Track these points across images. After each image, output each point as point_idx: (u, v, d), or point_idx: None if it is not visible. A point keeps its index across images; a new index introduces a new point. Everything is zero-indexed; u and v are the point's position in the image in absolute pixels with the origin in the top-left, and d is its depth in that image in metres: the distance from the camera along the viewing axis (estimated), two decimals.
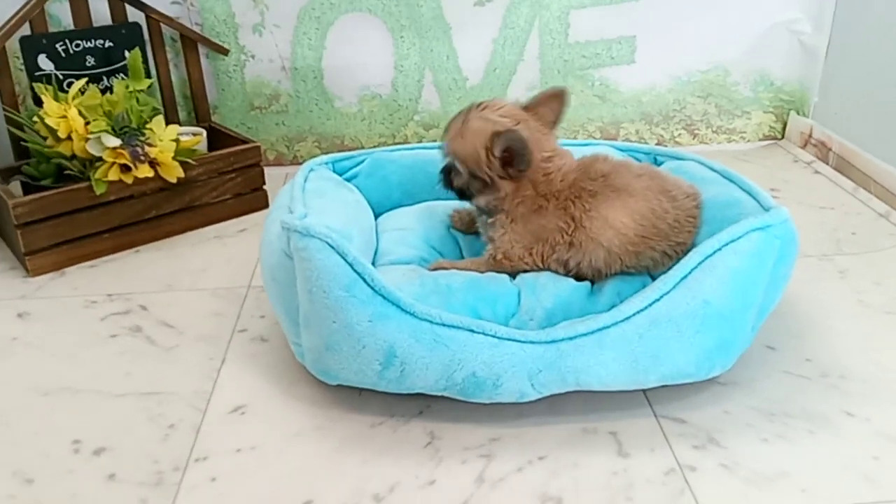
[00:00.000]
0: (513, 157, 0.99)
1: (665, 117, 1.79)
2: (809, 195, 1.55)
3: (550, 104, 1.06)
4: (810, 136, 1.75)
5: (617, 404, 0.95)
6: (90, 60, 1.49)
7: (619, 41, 1.71)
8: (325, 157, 1.24)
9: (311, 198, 1.06)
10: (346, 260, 0.88)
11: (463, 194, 1.06)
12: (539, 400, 0.91)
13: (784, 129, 1.83)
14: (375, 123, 1.75)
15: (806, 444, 0.90)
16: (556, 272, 1.03)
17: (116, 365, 1.06)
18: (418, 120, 1.75)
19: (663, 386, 0.96)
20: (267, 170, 1.57)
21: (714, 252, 0.90)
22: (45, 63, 1.45)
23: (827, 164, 1.68)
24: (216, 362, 1.06)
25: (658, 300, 0.89)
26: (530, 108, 1.05)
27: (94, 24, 1.51)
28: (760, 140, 1.84)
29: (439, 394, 0.90)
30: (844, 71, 1.66)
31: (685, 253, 1.00)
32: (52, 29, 1.49)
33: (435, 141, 1.09)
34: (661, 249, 1.01)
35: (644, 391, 0.97)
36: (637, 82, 1.75)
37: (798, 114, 1.79)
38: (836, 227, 1.42)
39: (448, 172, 1.06)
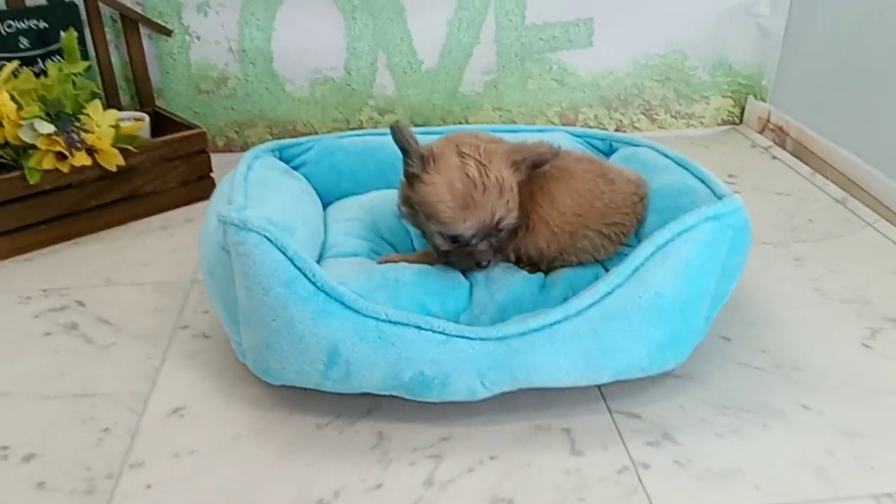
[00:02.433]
0: (540, 164, 0.95)
1: (624, 102, 1.77)
2: (766, 181, 1.54)
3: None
4: (768, 120, 1.74)
5: (571, 400, 0.93)
6: (24, 42, 1.42)
7: (576, 23, 1.68)
8: (270, 144, 1.19)
9: (253, 187, 1.02)
10: (285, 255, 0.84)
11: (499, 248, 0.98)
12: (490, 398, 0.88)
13: (742, 113, 1.82)
14: (328, 108, 1.69)
15: (760, 439, 0.88)
16: (507, 260, 1.01)
17: (50, 365, 1.01)
18: (373, 104, 1.70)
19: (617, 381, 0.94)
20: (216, 156, 1.52)
21: (666, 243, 0.88)
22: None
23: (784, 149, 1.67)
24: (155, 361, 1.02)
25: (610, 293, 0.86)
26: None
27: (28, 4, 1.43)
28: (719, 125, 1.82)
29: (387, 393, 0.87)
30: (802, 55, 1.65)
31: (626, 237, 0.99)
32: None
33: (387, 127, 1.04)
34: (595, 229, 0.99)
35: (598, 386, 0.95)
36: (595, 66, 1.72)
37: (756, 98, 1.78)
38: (793, 214, 1.41)
39: (498, 244, 0.95)
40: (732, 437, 0.88)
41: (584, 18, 1.68)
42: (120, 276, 1.22)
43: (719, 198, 0.94)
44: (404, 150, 0.92)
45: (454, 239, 0.92)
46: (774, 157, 1.66)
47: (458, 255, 0.93)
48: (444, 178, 0.90)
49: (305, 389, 0.92)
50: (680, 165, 1.07)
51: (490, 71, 1.70)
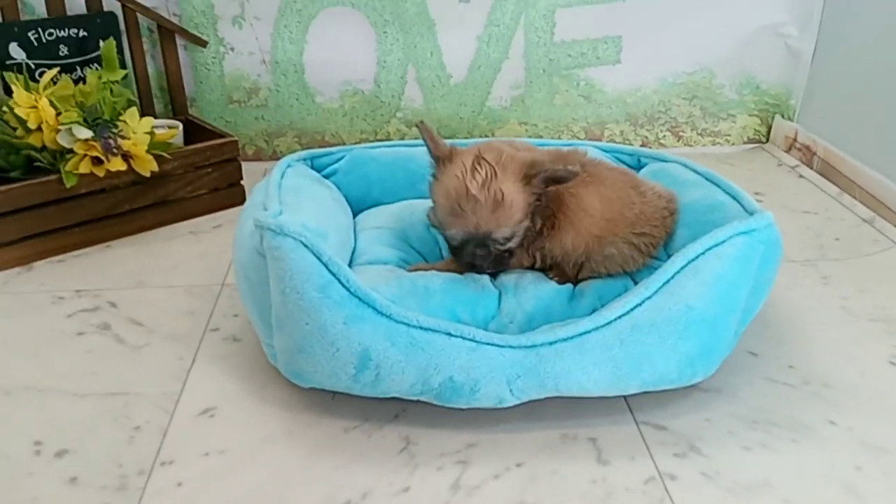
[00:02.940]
0: (558, 181, 0.95)
1: (650, 119, 1.77)
2: (793, 200, 1.54)
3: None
4: (795, 139, 1.74)
5: (597, 410, 0.93)
6: (63, 50, 1.45)
7: (604, 41, 1.70)
8: (303, 153, 1.21)
9: (286, 195, 1.03)
10: (320, 260, 0.85)
11: (510, 255, 1.00)
12: (518, 405, 0.89)
13: (769, 132, 1.82)
14: (357, 119, 1.72)
15: (788, 453, 0.88)
16: (532, 264, 1.02)
17: (82, 364, 1.03)
18: (401, 117, 1.72)
19: (645, 392, 0.94)
20: (246, 165, 1.54)
21: (697, 256, 0.88)
22: (16, 52, 1.41)
23: (811, 168, 1.67)
24: (186, 362, 1.03)
25: (640, 305, 0.86)
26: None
27: (69, 13, 1.47)
28: (745, 143, 1.82)
29: (415, 398, 0.88)
30: (831, 75, 1.65)
31: (656, 250, 1.00)
32: (24, 17, 1.45)
33: (417, 138, 1.07)
34: (625, 238, 1.00)
35: (625, 397, 0.95)
36: (622, 83, 1.74)
37: (783, 117, 1.78)
38: (820, 233, 1.41)
39: (500, 254, 0.97)
40: (761, 450, 0.88)
41: (612, 36, 1.69)
42: (151, 279, 1.24)
43: (750, 213, 0.95)
44: (428, 150, 0.98)
45: (449, 240, 0.98)
46: (801, 176, 1.66)
47: (461, 255, 0.97)
48: (444, 184, 0.95)
49: (334, 393, 0.94)
50: (709, 181, 1.08)
51: (518, 86, 1.71)
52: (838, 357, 1.05)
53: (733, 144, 1.82)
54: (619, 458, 0.87)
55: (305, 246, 0.85)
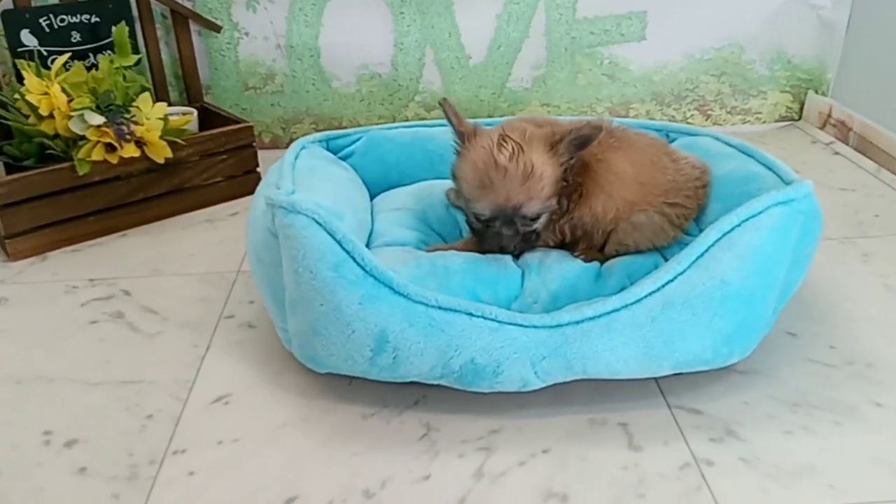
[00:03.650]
0: (583, 143, 0.92)
1: (677, 97, 1.72)
2: (829, 177, 1.48)
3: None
4: (829, 115, 1.67)
5: (627, 394, 0.89)
6: (76, 36, 1.43)
7: (629, 17, 1.64)
8: (318, 135, 1.18)
9: (301, 175, 1.00)
10: (334, 238, 0.81)
11: (538, 236, 0.96)
12: (543, 389, 0.84)
13: (801, 109, 1.75)
14: (375, 104, 1.68)
15: (832, 436, 0.83)
16: (561, 240, 0.99)
17: (95, 352, 1.00)
18: (419, 101, 1.68)
19: (677, 375, 0.89)
20: (262, 153, 1.51)
21: (733, 228, 0.83)
22: (28, 39, 1.39)
23: (847, 144, 1.60)
24: (200, 350, 1.00)
25: (672, 281, 0.82)
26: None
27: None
28: (777, 121, 1.76)
29: (435, 382, 0.84)
30: (866, 47, 1.58)
31: (687, 223, 0.96)
32: (35, 3, 1.43)
33: (437, 119, 1.03)
34: (656, 208, 0.96)
35: (656, 380, 0.91)
36: (648, 60, 1.68)
37: (816, 93, 1.72)
38: (858, 210, 1.35)
39: (527, 234, 0.94)
40: (802, 434, 0.83)
41: (637, 11, 1.64)
42: (166, 266, 1.22)
43: (788, 183, 0.89)
44: (451, 126, 0.95)
45: (477, 217, 0.93)
46: (836, 153, 1.60)
47: (485, 236, 0.94)
48: (471, 157, 0.92)
49: (351, 379, 0.90)
50: (743, 153, 1.03)
51: (539, 66, 1.67)
52: (882, 336, 0.99)
53: (764, 122, 1.75)
54: (652, 444, 0.82)
55: (318, 223, 0.81)
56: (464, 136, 0.94)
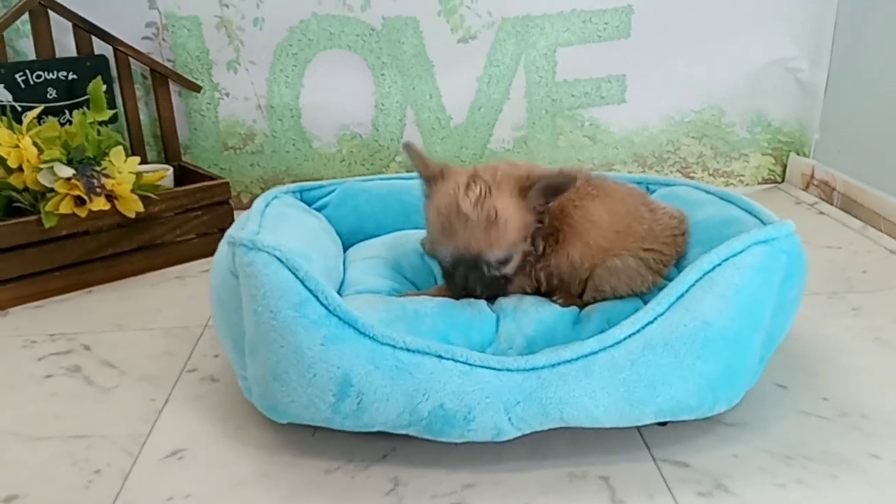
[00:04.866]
0: (556, 190, 0.90)
1: (658, 159, 1.71)
2: (815, 235, 1.46)
3: None
4: (812, 176, 1.66)
5: (609, 446, 0.83)
6: (52, 93, 1.42)
7: (608, 80, 1.65)
8: (291, 186, 1.15)
9: (269, 220, 0.97)
10: (296, 276, 0.77)
11: (508, 283, 0.93)
12: (519, 439, 0.79)
13: (784, 171, 1.74)
14: (355, 164, 1.66)
15: (828, 489, 0.77)
16: (537, 287, 0.95)
17: (46, 407, 0.94)
18: (400, 161, 1.67)
19: (662, 426, 0.85)
20: (239, 214, 1.47)
21: (713, 268, 0.79)
22: (2, 94, 1.37)
23: (832, 204, 1.59)
24: (158, 403, 0.94)
25: (652, 322, 0.78)
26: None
27: (59, 56, 1.44)
28: (760, 183, 1.75)
29: (403, 432, 0.78)
30: (845, 107, 1.59)
31: (666, 269, 0.94)
32: (12, 58, 1.43)
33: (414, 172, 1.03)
34: (633, 252, 0.93)
35: (640, 431, 0.86)
36: (629, 122, 1.68)
37: (798, 154, 1.71)
38: (846, 267, 1.32)
39: (496, 278, 0.90)
40: (796, 487, 0.77)
41: (616, 75, 1.65)
42: (130, 321, 1.17)
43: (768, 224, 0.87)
44: (417, 171, 0.94)
45: (441, 262, 0.92)
46: (821, 213, 1.58)
47: (454, 279, 0.91)
48: (436, 202, 0.90)
49: (315, 430, 0.85)
50: (722, 199, 1.01)
51: (520, 127, 1.66)
52: (877, 388, 0.94)
53: (748, 185, 1.74)
54: (637, 498, 0.77)
55: (280, 260, 0.78)
56: (430, 181, 0.92)
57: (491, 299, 0.92)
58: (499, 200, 0.87)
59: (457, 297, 0.91)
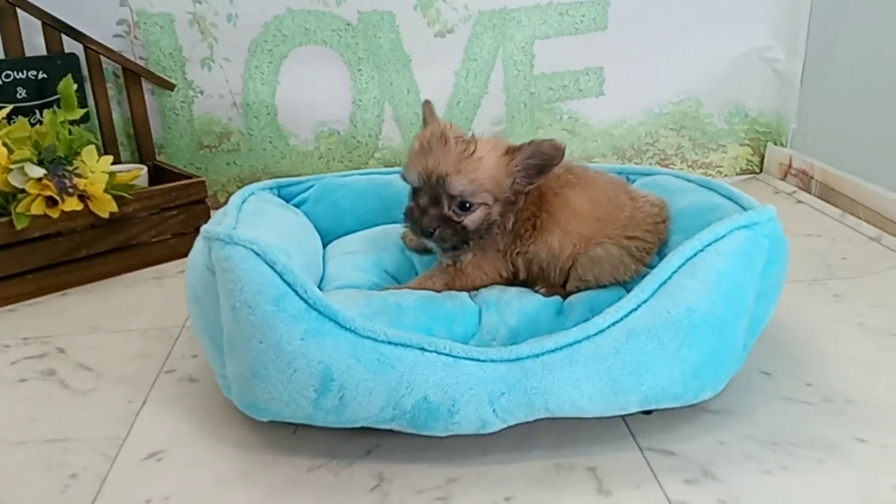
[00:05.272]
0: (534, 168, 0.89)
1: (638, 151, 1.71)
2: (794, 224, 1.46)
3: None
4: (790, 166, 1.67)
5: (595, 437, 0.83)
6: (21, 92, 1.39)
7: (586, 72, 1.65)
8: (269, 182, 1.13)
9: (246, 216, 0.95)
10: (274, 269, 0.76)
11: (465, 239, 0.91)
12: (504, 431, 0.78)
13: (762, 161, 1.75)
14: (334, 161, 1.65)
15: (815, 474, 0.77)
16: (513, 281, 0.95)
17: (20, 411, 0.92)
18: (379, 157, 1.65)
19: (647, 415, 0.84)
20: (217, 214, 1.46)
21: (696, 254, 0.79)
22: None
23: (810, 192, 1.60)
24: (135, 405, 0.92)
25: (635, 310, 0.77)
26: None
27: (28, 55, 1.41)
28: (738, 174, 1.75)
29: (387, 427, 0.77)
30: (822, 96, 1.60)
31: (649, 257, 0.94)
32: None
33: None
34: (615, 241, 0.92)
35: (626, 421, 0.85)
36: (607, 115, 1.68)
37: (776, 144, 1.72)
38: (826, 254, 1.32)
39: (449, 218, 0.89)
40: (783, 473, 0.77)
41: (593, 67, 1.64)
42: (106, 323, 1.14)
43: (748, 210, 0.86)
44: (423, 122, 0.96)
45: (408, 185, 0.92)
46: (800, 202, 1.59)
47: (413, 214, 0.91)
48: (423, 132, 0.92)
49: (296, 428, 0.83)
50: (703, 186, 1.01)
51: (499, 121, 1.65)
52: (861, 373, 0.94)
53: (726, 176, 1.75)
54: (624, 488, 0.76)
55: (257, 254, 0.76)
56: (427, 119, 0.95)
57: (446, 248, 0.92)
58: (482, 145, 0.88)
59: (414, 233, 0.92)
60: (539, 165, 0.88)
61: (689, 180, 1.05)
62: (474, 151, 0.87)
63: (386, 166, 1.65)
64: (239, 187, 1.60)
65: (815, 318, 1.09)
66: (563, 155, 0.87)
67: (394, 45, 1.58)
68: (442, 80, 1.61)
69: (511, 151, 0.88)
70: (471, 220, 0.89)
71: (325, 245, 1.12)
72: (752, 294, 0.82)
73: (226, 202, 1.58)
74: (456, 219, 0.89)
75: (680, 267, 0.79)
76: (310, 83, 1.58)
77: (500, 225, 0.91)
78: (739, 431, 0.84)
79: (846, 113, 1.51)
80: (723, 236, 0.80)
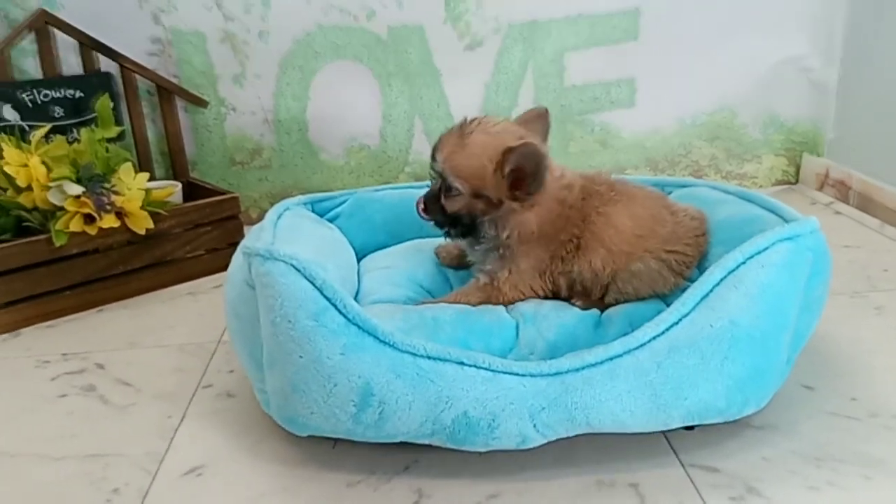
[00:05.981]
0: (525, 176, 0.88)
1: (671, 163, 1.70)
2: (833, 235, 1.40)
3: (535, 124, 0.96)
4: (827, 176, 1.64)
5: (637, 452, 0.82)
6: (58, 111, 1.41)
7: (617, 84, 1.64)
8: (303, 197, 1.14)
9: (282, 231, 0.96)
10: (314, 284, 0.76)
11: (451, 224, 0.94)
12: (545, 447, 0.77)
13: (798, 172, 1.73)
14: (364, 176, 1.65)
15: (862, 490, 0.75)
16: (556, 295, 0.94)
17: (61, 427, 0.93)
18: (409, 171, 1.66)
19: (689, 431, 0.83)
20: (248, 229, 1.46)
21: (738, 266, 0.78)
22: (9, 113, 1.37)
23: (848, 203, 1.57)
24: (174, 420, 0.93)
25: (677, 323, 0.76)
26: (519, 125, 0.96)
27: (65, 74, 1.44)
28: (774, 185, 1.73)
29: (426, 442, 0.77)
30: (859, 105, 1.58)
31: (689, 270, 0.93)
32: (18, 77, 1.42)
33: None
34: (655, 255, 0.91)
35: (667, 437, 0.84)
36: (639, 126, 1.67)
37: (812, 154, 1.70)
38: (866, 265, 1.30)
39: (437, 197, 0.93)
40: (829, 489, 0.75)
41: (625, 78, 1.64)
42: (143, 339, 1.15)
43: (791, 221, 0.85)
44: None
45: None
46: (838, 213, 1.56)
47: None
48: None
49: (335, 442, 0.83)
50: (742, 198, 0.99)
51: None
52: None
53: (761, 186, 1.73)
54: None
55: (297, 269, 0.76)
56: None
57: (448, 233, 0.95)
58: (482, 137, 0.89)
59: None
60: (525, 171, 0.87)
61: (727, 192, 1.04)
62: (469, 140, 0.89)
63: (416, 180, 1.65)
64: (271, 203, 1.62)
65: (857, 332, 1.07)
66: (544, 160, 0.86)
67: (423, 59, 1.58)
68: (472, 93, 1.62)
69: (506, 153, 0.87)
70: (451, 204, 0.91)
71: (358, 260, 1.12)
72: (796, 307, 0.80)
73: (258, 218, 1.60)
74: (441, 195, 0.92)
75: (722, 280, 0.77)
76: (340, 98, 1.59)
77: (494, 228, 0.91)
78: (783, 447, 0.82)
79: (884, 121, 1.49)
80: (765, 248, 0.79)
